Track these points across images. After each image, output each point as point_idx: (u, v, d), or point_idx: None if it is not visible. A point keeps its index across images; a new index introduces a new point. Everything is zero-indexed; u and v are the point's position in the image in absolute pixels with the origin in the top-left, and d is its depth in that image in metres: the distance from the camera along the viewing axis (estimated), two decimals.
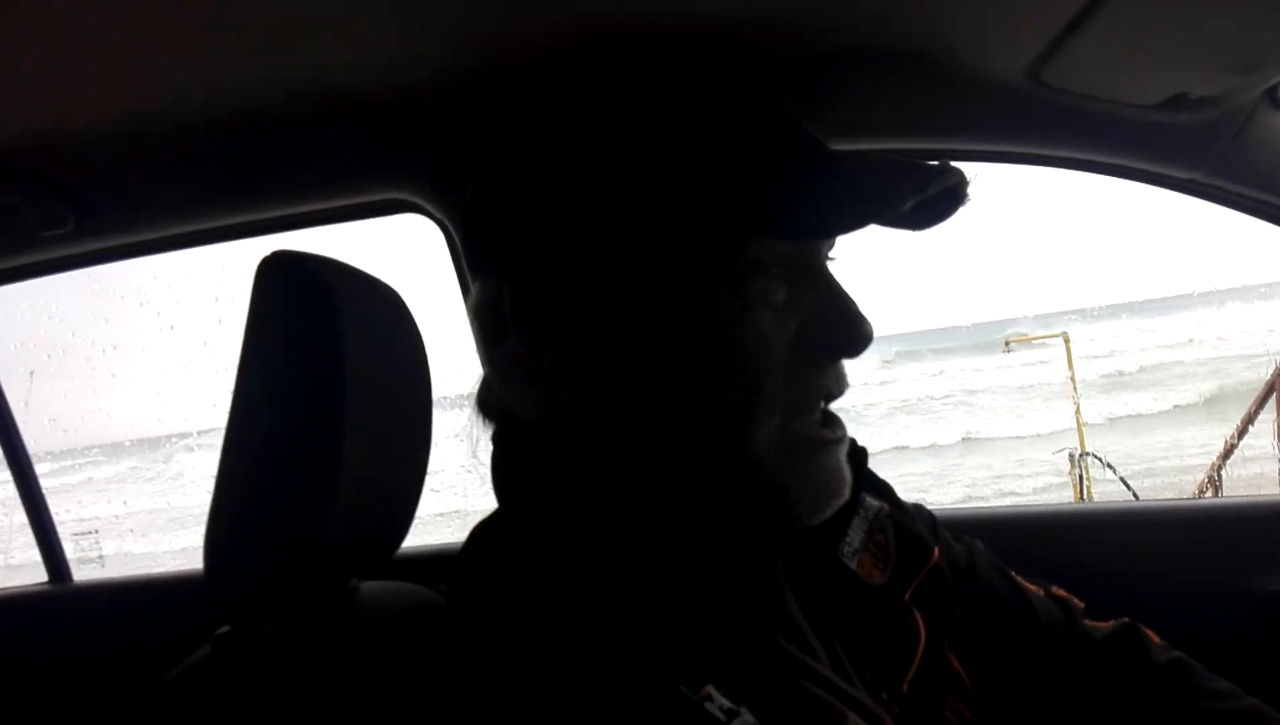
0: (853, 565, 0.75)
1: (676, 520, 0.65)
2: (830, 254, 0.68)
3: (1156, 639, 0.89)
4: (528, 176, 0.67)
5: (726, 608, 0.62)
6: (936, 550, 0.81)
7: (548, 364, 0.66)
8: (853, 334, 0.63)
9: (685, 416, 0.62)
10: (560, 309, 0.65)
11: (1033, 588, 0.90)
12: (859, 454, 0.74)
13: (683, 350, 0.61)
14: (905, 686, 0.70)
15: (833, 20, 0.85)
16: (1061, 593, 0.91)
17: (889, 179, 0.60)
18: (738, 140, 0.64)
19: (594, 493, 0.66)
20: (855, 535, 0.76)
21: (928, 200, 0.61)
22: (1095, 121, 1.02)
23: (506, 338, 0.68)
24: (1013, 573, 0.90)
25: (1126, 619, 0.90)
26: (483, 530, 0.70)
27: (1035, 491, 9.18)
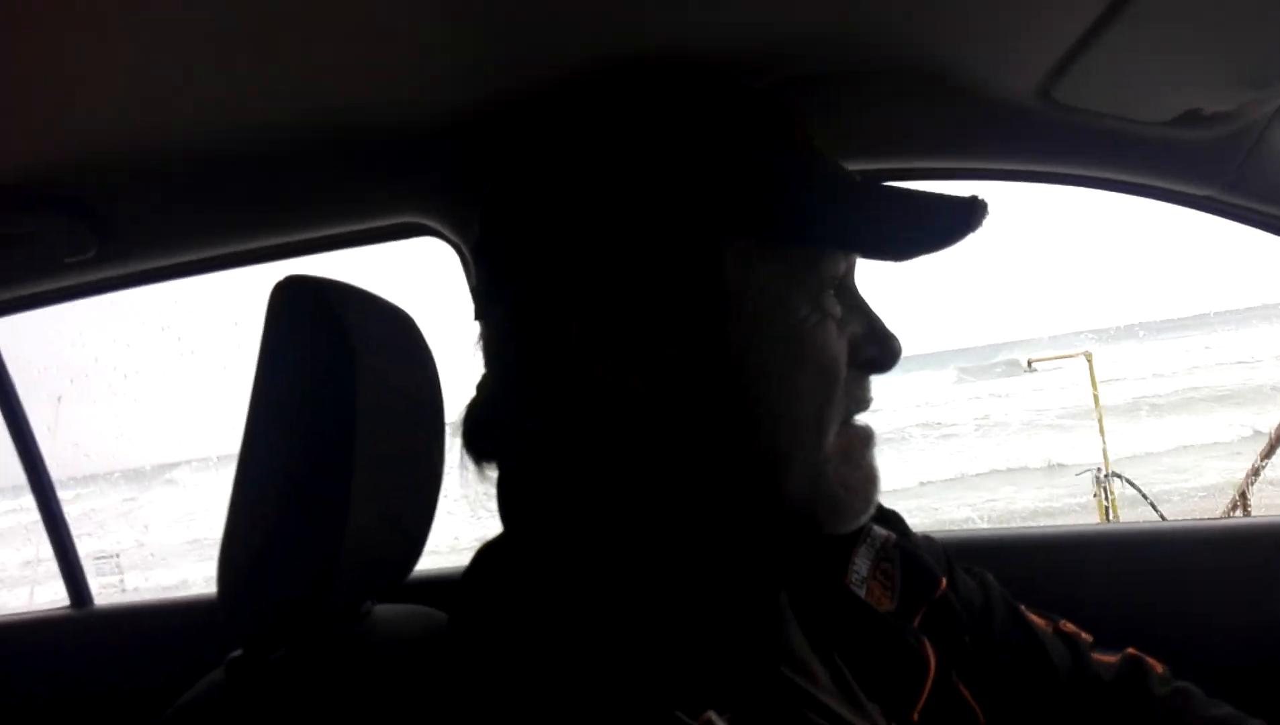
0: (861, 593, 0.75)
1: (690, 544, 0.65)
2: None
3: (1159, 668, 0.88)
4: (560, 199, 0.67)
5: (729, 634, 0.62)
6: (944, 580, 0.81)
7: (592, 386, 0.65)
8: (889, 350, 0.69)
9: (758, 424, 0.64)
10: (621, 329, 0.64)
11: (1041, 622, 0.88)
12: None
13: (767, 359, 0.64)
14: (915, 715, 0.70)
15: (843, 41, 0.86)
16: (1070, 627, 0.90)
17: (943, 205, 0.65)
18: (796, 157, 0.69)
19: (609, 516, 0.66)
20: (863, 563, 0.77)
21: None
22: (1108, 139, 1.01)
23: (534, 361, 0.67)
24: (1021, 607, 0.88)
25: (1131, 650, 0.89)
26: (487, 553, 0.69)
27: None
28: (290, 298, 0.81)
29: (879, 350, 0.69)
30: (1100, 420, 6.72)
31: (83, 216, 1.10)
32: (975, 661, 0.78)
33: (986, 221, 0.64)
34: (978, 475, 12.13)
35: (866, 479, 0.68)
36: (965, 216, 0.63)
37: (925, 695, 0.72)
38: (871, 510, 0.69)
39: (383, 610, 0.94)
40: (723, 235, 0.64)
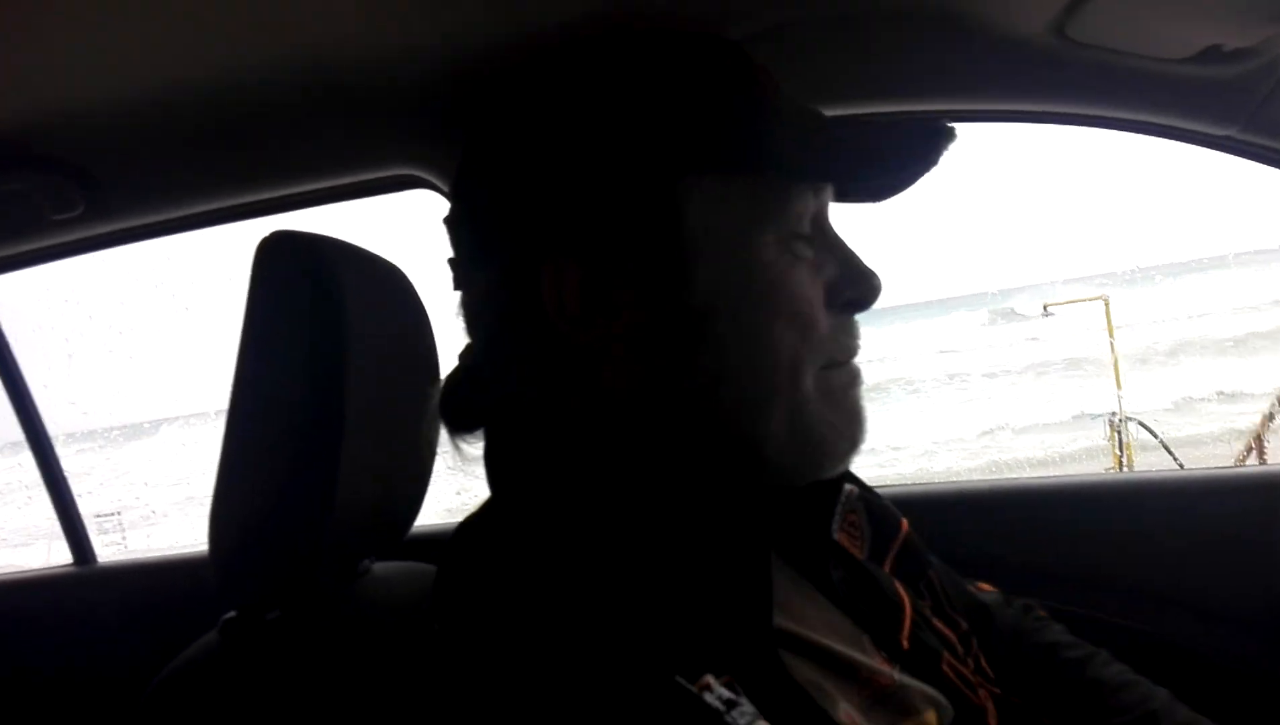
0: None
1: (673, 502, 0.65)
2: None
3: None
4: (524, 159, 0.66)
5: (721, 594, 0.61)
6: (904, 522, 0.84)
7: (565, 342, 0.65)
8: (867, 288, 0.67)
9: (732, 373, 0.63)
10: (590, 282, 0.63)
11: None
12: None
13: (739, 305, 0.63)
14: (905, 643, 0.71)
15: None
16: (985, 588, 0.94)
17: (904, 132, 0.66)
18: (756, 93, 0.67)
19: (591, 478, 0.66)
20: (834, 520, 0.78)
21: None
22: (1124, 77, 0.98)
23: (516, 320, 0.67)
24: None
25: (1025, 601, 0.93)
26: (476, 519, 0.68)
27: None
28: (276, 254, 0.79)
29: (857, 289, 0.67)
30: (1115, 366, 6.68)
31: (69, 173, 1.08)
32: (943, 595, 0.82)
33: (951, 147, 0.63)
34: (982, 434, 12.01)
35: (850, 417, 0.67)
36: (928, 141, 0.63)
37: (908, 626, 0.73)
38: (857, 449, 0.68)
39: (381, 568, 0.93)
40: (681, 173, 0.63)
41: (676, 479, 0.65)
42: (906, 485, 1.41)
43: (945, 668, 0.73)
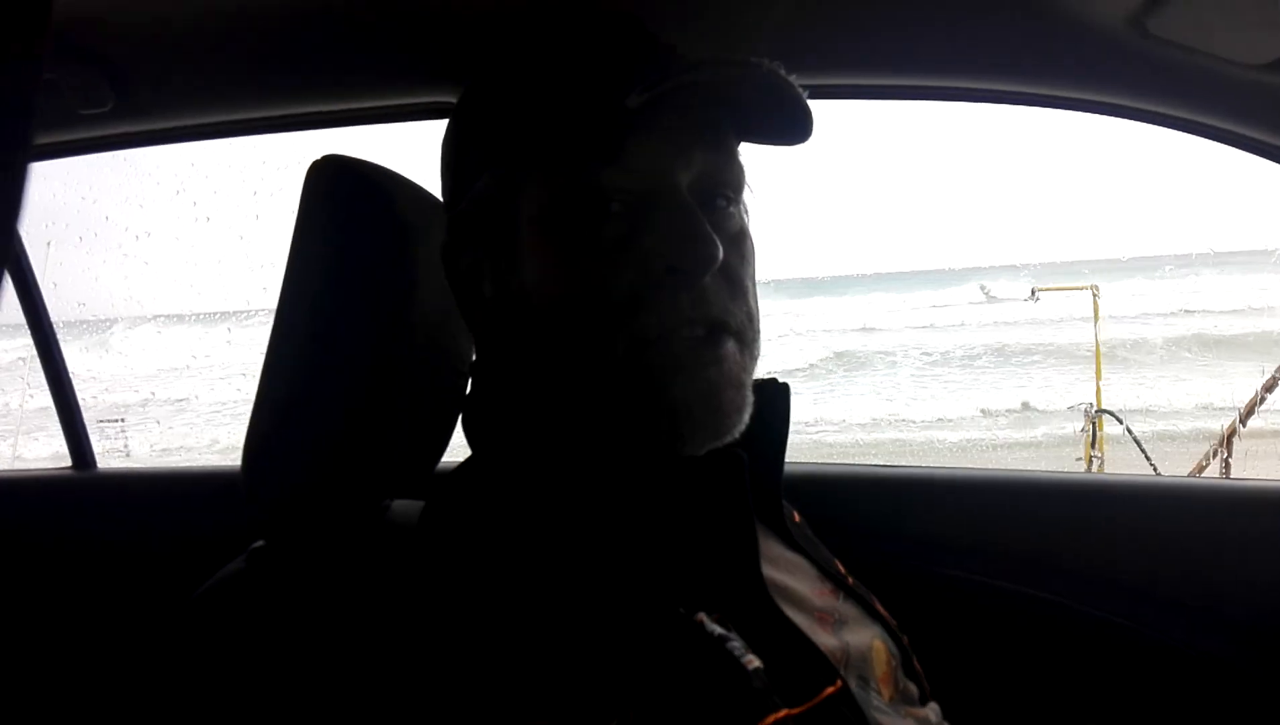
0: None
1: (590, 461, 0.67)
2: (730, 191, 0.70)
3: None
4: (475, 106, 0.74)
5: (707, 544, 0.64)
6: (795, 513, 0.87)
7: (488, 304, 0.71)
8: (685, 253, 0.63)
9: (546, 353, 0.67)
10: (459, 264, 0.71)
11: None
12: (782, 392, 0.76)
13: (544, 285, 0.66)
14: (850, 579, 0.78)
15: None
16: None
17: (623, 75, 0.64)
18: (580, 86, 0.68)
19: (533, 431, 0.69)
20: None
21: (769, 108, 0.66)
22: (1195, 77, 0.97)
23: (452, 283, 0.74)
24: None
25: None
26: (461, 470, 0.72)
27: None
28: (329, 176, 0.77)
29: (678, 257, 0.63)
30: (1098, 356, 6.72)
31: (101, 68, 1.04)
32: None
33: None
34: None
35: (682, 405, 0.64)
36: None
37: (845, 573, 0.80)
38: (709, 432, 0.65)
39: (400, 505, 0.92)
40: (490, 165, 0.69)
41: (581, 444, 0.67)
42: (862, 466, 1.40)
43: (879, 607, 0.79)
